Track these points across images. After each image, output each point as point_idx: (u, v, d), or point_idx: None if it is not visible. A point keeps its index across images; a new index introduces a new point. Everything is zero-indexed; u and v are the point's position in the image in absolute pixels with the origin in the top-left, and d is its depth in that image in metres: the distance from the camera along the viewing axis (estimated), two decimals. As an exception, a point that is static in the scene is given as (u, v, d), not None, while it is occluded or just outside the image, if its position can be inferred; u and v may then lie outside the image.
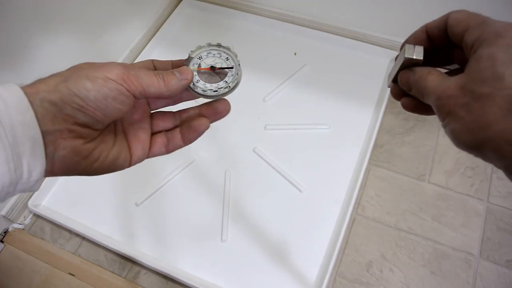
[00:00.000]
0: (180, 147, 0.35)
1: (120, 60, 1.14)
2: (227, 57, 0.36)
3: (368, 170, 0.97)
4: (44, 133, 0.26)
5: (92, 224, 0.93)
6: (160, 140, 0.35)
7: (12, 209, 0.95)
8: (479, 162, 0.96)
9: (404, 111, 0.32)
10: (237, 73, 0.35)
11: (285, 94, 1.09)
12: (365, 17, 1.11)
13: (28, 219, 0.97)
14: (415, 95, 0.29)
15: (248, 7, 1.23)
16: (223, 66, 0.35)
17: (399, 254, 0.87)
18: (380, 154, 0.99)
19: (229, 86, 0.34)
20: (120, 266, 0.89)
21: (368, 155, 0.95)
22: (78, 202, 0.97)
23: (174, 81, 0.31)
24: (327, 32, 1.17)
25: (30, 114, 0.26)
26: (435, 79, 0.27)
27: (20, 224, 0.97)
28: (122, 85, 0.28)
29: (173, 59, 0.35)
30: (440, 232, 0.89)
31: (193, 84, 0.33)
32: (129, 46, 1.16)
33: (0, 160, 0.24)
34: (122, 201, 0.96)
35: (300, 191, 0.94)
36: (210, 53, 0.35)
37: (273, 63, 1.14)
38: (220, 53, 0.36)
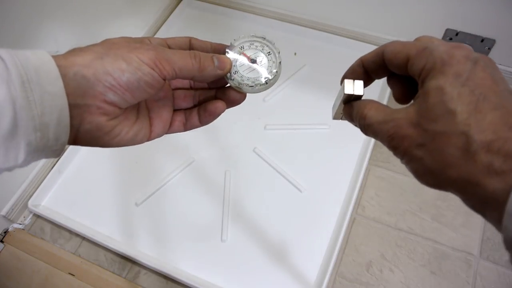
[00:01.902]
0: (197, 126, 0.36)
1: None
2: (269, 52, 0.34)
3: (368, 170, 0.97)
4: (72, 106, 0.27)
5: (92, 224, 0.93)
6: (179, 118, 0.35)
7: (12, 209, 0.95)
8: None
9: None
10: (276, 71, 0.34)
11: (285, 94, 1.09)
12: (365, 17, 1.11)
13: (28, 219, 0.97)
14: (361, 131, 0.29)
15: (248, 7, 1.23)
16: (263, 61, 0.34)
17: (399, 254, 0.87)
18: (380, 154, 0.99)
19: (266, 83, 0.33)
20: (120, 266, 0.89)
21: (368, 155, 0.95)
22: (78, 202, 0.97)
23: (210, 68, 0.31)
24: (327, 32, 1.17)
25: (60, 85, 0.26)
26: (375, 114, 0.27)
27: (20, 224, 0.97)
28: (154, 70, 0.28)
29: (213, 42, 0.35)
30: (440, 232, 0.89)
31: (230, 74, 0.33)
32: (129, 46, 1.16)
33: (28, 129, 0.25)
34: (122, 201, 0.96)
35: (300, 191, 0.94)
36: (253, 44, 0.34)
37: (273, 63, 1.14)
38: (263, 46, 0.35)
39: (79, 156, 1.04)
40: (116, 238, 0.92)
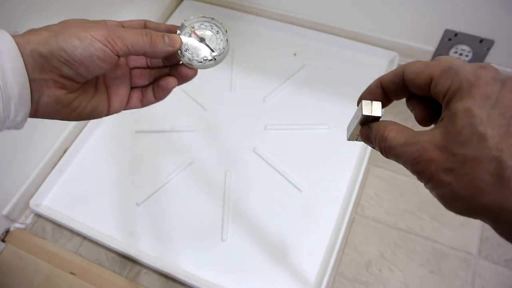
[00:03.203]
0: (153, 102, 0.38)
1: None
2: (218, 31, 0.37)
3: (367, 170, 0.98)
4: (31, 80, 0.29)
5: (93, 224, 0.94)
6: (136, 95, 0.38)
7: (14, 209, 0.96)
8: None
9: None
10: (224, 48, 0.36)
11: (285, 94, 1.09)
12: (365, 17, 1.11)
13: (29, 218, 0.98)
14: (381, 153, 0.28)
15: (248, 8, 1.23)
16: (212, 39, 0.37)
17: (398, 254, 0.88)
18: (380, 154, 1.00)
19: (214, 59, 0.36)
20: (121, 265, 0.90)
21: (367, 155, 0.96)
22: (79, 202, 0.98)
23: (161, 45, 0.33)
24: (327, 32, 1.17)
25: (20, 62, 0.28)
26: (396, 137, 0.26)
27: (22, 223, 0.97)
28: (107, 46, 0.30)
29: (167, 24, 0.37)
30: (439, 232, 0.89)
31: (181, 52, 0.35)
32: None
33: None
34: (123, 201, 0.97)
35: (300, 191, 0.95)
36: (203, 24, 0.37)
37: (273, 64, 1.14)
38: (212, 26, 0.37)
39: (80, 156, 1.04)
40: (117, 237, 0.92)
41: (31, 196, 0.98)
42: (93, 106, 0.34)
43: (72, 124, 1.07)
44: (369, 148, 0.97)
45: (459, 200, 0.22)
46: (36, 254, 0.92)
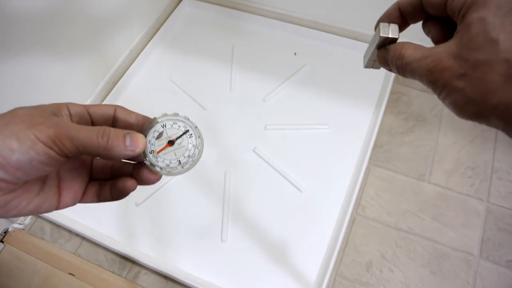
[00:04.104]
0: (109, 200, 0.34)
1: (119, 60, 1.14)
2: (191, 134, 0.33)
3: (368, 170, 0.97)
4: None
5: (92, 224, 0.93)
6: (93, 189, 0.34)
7: (12, 209, 0.95)
8: (479, 162, 0.96)
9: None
10: (190, 157, 0.33)
11: (285, 94, 1.09)
12: (365, 17, 1.11)
13: (28, 219, 0.97)
14: (397, 73, 0.29)
15: (248, 7, 1.23)
16: (183, 143, 0.33)
17: (399, 254, 0.87)
18: (380, 154, 0.99)
19: (182, 166, 0.32)
20: (120, 266, 0.89)
21: (368, 155, 0.95)
22: (78, 202, 0.97)
23: (119, 148, 0.29)
24: (327, 32, 1.17)
25: None
26: (413, 53, 0.27)
27: (20, 224, 0.97)
28: (52, 149, 0.26)
29: (139, 114, 0.33)
30: (440, 232, 0.89)
31: (144, 153, 0.31)
32: (129, 46, 1.16)
33: None
34: (122, 201, 0.95)
35: (300, 191, 0.94)
36: (176, 123, 0.33)
37: (273, 63, 1.14)
38: (186, 127, 0.33)
39: (79, 156, 1.04)
40: (116, 238, 0.92)
41: (30, 196, 0.97)
42: (37, 204, 0.30)
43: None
44: (370, 148, 0.97)
45: (472, 103, 0.23)
46: (34, 254, 0.92)
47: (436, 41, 0.29)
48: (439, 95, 0.25)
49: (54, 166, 0.28)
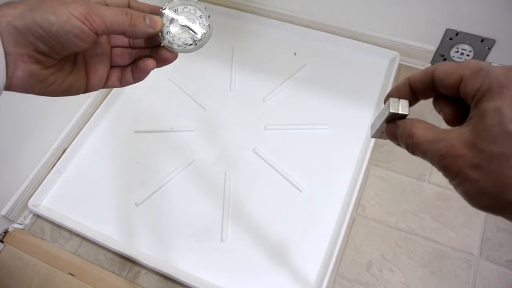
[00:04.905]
0: (132, 83, 0.38)
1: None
2: (201, 15, 0.36)
3: (368, 170, 0.97)
4: (6, 54, 0.29)
5: (92, 224, 0.93)
6: (115, 74, 0.37)
7: (12, 209, 0.95)
8: (479, 162, 0.96)
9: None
10: (205, 33, 0.36)
11: (285, 94, 1.09)
12: (365, 17, 1.11)
13: (28, 219, 0.97)
14: (406, 150, 0.28)
15: (248, 7, 1.23)
16: (194, 23, 0.36)
17: (399, 254, 0.87)
18: (380, 154, 0.99)
19: (195, 43, 0.36)
20: (120, 266, 0.89)
21: (368, 155, 0.95)
22: (78, 202, 0.97)
23: (141, 26, 0.32)
24: (327, 32, 1.17)
25: None
26: (424, 134, 0.26)
27: (20, 224, 0.97)
28: (84, 24, 0.29)
29: (151, 4, 0.36)
30: (440, 232, 0.89)
31: (162, 34, 0.35)
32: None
33: None
34: (122, 201, 0.96)
35: (300, 191, 0.94)
36: (186, 7, 0.36)
37: (273, 63, 1.14)
38: (196, 10, 0.37)
39: (79, 156, 1.04)
40: (116, 238, 0.92)
41: (30, 197, 0.97)
42: (70, 82, 0.34)
43: (71, 123, 1.07)
44: (370, 148, 0.97)
45: (486, 196, 0.23)
46: (34, 254, 0.92)
47: (448, 121, 0.28)
48: (451, 181, 0.25)
49: (86, 42, 0.30)
